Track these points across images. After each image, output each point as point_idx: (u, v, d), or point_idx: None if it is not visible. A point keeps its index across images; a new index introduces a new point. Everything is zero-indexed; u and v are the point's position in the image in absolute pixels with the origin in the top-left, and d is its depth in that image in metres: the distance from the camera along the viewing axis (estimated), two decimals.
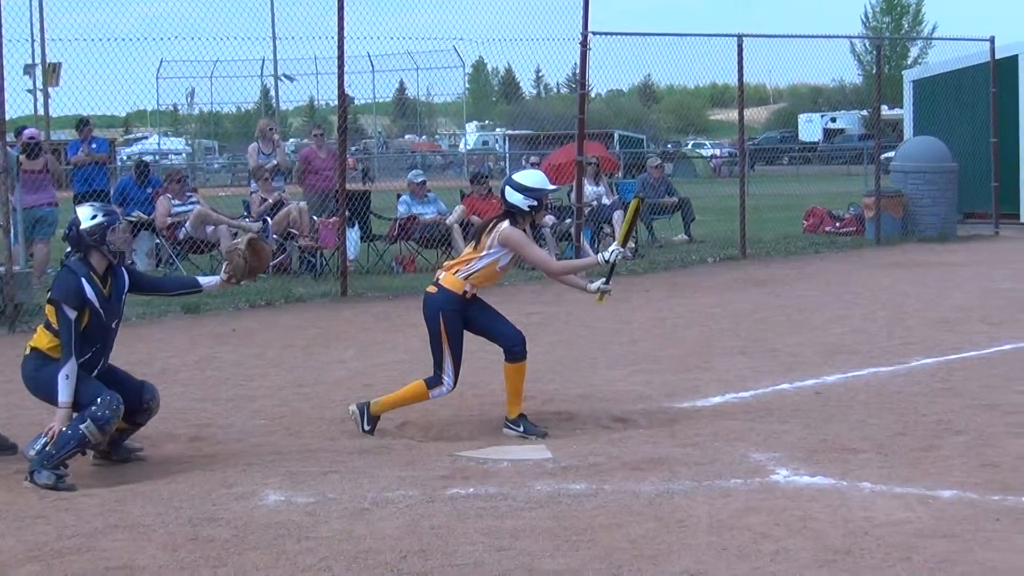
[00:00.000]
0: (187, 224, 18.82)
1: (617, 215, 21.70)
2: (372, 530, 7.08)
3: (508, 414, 9.57)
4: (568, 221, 20.69)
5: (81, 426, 8.26)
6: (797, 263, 21.47)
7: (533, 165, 21.88)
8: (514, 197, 9.51)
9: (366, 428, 9.55)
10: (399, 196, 21.15)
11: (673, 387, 11.01)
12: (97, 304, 8.50)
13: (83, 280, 8.48)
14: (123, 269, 8.81)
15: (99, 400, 8.31)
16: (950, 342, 12.98)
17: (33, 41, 37.01)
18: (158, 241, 19.54)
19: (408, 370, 11.27)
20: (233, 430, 9.72)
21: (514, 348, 9.52)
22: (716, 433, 9.22)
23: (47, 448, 8.26)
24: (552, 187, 9.82)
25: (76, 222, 8.59)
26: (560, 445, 9.01)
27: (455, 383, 9.53)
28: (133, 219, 19.65)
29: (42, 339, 8.59)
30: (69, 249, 8.88)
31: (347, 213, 18.18)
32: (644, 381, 11.33)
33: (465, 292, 9.47)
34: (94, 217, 8.58)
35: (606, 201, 22.13)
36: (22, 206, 17.73)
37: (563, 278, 10.01)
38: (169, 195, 19.35)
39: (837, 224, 25.90)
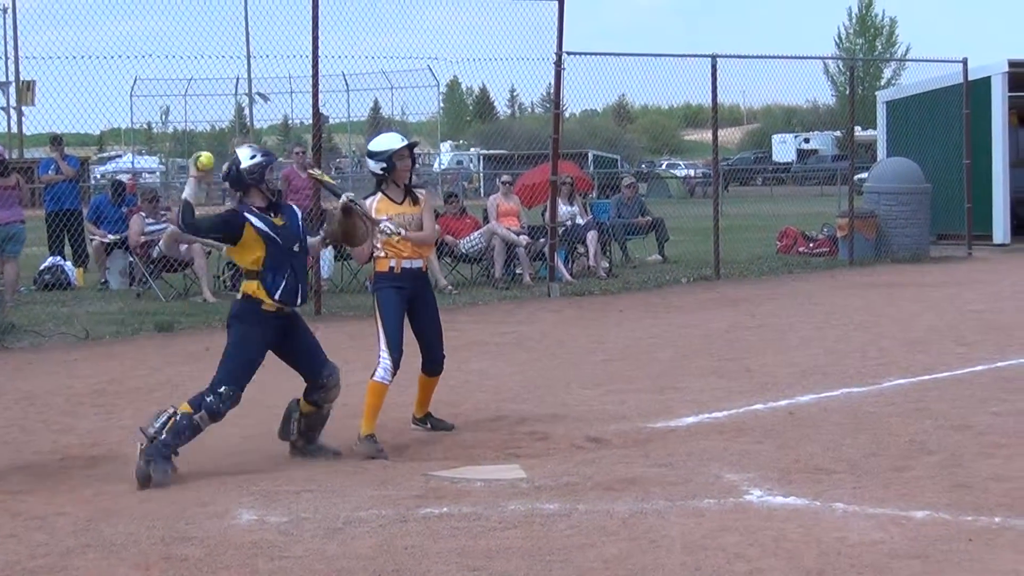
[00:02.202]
0: (160, 243, 18.77)
1: (591, 235, 21.76)
2: (345, 549, 7.07)
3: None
4: (542, 241, 20.71)
5: (195, 416, 8.73)
6: (771, 283, 21.53)
7: (505, 184, 21.91)
8: (369, 164, 9.90)
9: (380, 452, 9.40)
10: None
11: (647, 407, 11.00)
12: (268, 231, 8.95)
13: (246, 214, 8.97)
14: (292, 206, 9.33)
15: (220, 391, 8.78)
16: (923, 363, 13.02)
17: (7, 59, 36.95)
18: (131, 260, 19.49)
19: None
20: (206, 449, 9.68)
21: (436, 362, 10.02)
22: (690, 453, 9.22)
23: (164, 436, 8.64)
24: (399, 144, 9.79)
25: (236, 162, 9.04)
26: (534, 465, 9.00)
27: (391, 359, 9.57)
28: (108, 241, 19.71)
29: (249, 285, 9.01)
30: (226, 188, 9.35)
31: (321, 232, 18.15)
32: (618, 401, 11.33)
33: (391, 267, 9.72)
34: (253, 157, 9.07)
35: (580, 221, 22.15)
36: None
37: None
38: (143, 214, 19.31)
39: (810, 245, 25.97)
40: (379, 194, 9.82)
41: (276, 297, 8.93)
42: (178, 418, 8.73)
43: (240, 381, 8.86)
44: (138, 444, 8.74)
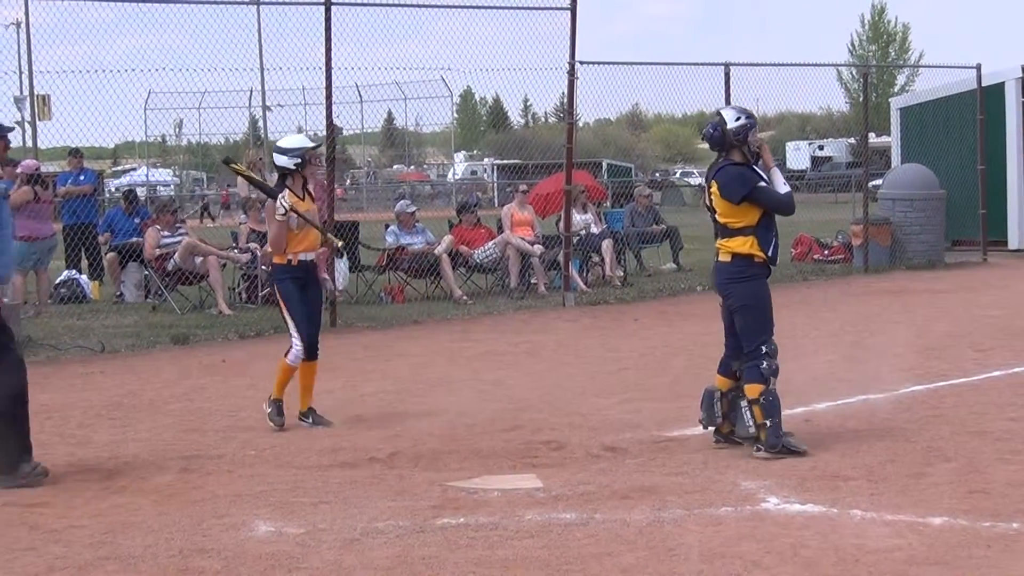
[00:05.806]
0: (176, 256, 18.77)
1: (606, 244, 21.76)
2: (363, 560, 7.07)
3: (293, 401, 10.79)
4: (556, 250, 20.71)
5: (768, 388, 9.42)
6: (786, 291, 21.45)
7: (520, 193, 21.91)
8: (280, 160, 10.66)
9: (280, 417, 10.65)
10: (387, 227, 21.14)
11: (663, 415, 10.99)
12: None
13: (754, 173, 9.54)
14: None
15: (766, 350, 9.52)
16: (939, 369, 12.99)
17: (21, 73, 36.94)
18: (147, 272, 19.52)
19: (396, 399, 11.28)
20: (223, 461, 9.70)
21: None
22: (706, 461, 9.22)
23: (767, 423, 9.31)
24: (311, 144, 10.93)
25: (722, 123, 9.56)
26: (550, 474, 9.00)
27: (302, 344, 10.71)
28: (112, 246, 19.76)
29: (745, 242, 9.53)
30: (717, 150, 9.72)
31: None
32: (634, 410, 11.32)
33: (289, 260, 10.70)
34: (738, 119, 9.58)
35: (594, 230, 22.15)
36: (37, 236, 17.98)
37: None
38: (158, 227, 19.32)
39: (825, 252, 25.94)
40: (286, 189, 10.57)
41: (769, 253, 9.56)
42: (761, 401, 9.36)
43: (770, 328, 9.60)
44: (753, 450, 9.35)
